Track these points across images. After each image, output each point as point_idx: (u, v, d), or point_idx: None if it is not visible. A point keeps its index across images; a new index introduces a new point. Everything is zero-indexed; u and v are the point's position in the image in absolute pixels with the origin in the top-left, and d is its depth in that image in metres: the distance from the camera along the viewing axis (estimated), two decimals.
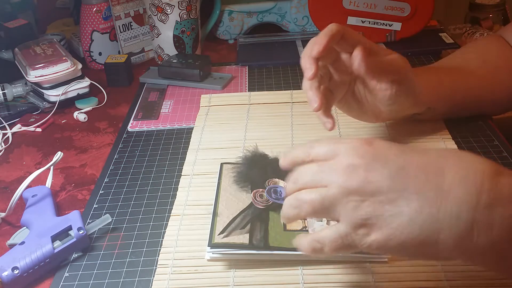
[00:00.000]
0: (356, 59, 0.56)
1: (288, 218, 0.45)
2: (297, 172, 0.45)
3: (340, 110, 0.69)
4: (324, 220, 0.56)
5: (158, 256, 0.56)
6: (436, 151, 0.44)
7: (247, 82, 0.96)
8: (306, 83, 0.59)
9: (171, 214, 0.62)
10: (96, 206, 0.65)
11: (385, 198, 0.39)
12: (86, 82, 0.93)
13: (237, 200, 0.60)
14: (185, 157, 0.73)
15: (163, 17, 1.00)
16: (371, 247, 0.41)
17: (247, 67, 1.02)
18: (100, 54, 1.08)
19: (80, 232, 0.57)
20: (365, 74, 0.59)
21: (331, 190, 0.41)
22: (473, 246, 0.39)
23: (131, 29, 1.08)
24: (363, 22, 1.04)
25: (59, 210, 0.66)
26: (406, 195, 0.39)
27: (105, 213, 0.62)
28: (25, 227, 0.61)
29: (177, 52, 1.04)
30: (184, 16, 1.01)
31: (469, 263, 0.45)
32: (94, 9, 1.04)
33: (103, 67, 1.01)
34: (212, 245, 0.54)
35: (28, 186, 0.65)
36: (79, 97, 0.93)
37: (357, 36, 0.58)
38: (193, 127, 0.81)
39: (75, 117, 0.89)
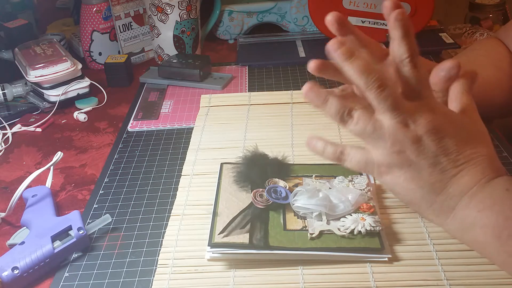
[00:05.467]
0: (450, 72, 0.51)
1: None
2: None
3: None
4: (324, 220, 0.56)
5: (158, 256, 0.56)
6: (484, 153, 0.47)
7: (247, 82, 0.96)
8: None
9: (171, 214, 0.62)
10: (96, 206, 0.65)
11: (424, 163, 0.46)
12: (86, 82, 0.93)
13: (237, 200, 0.60)
14: (185, 157, 0.73)
15: (163, 17, 1.00)
16: (381, 181, 0.49)
17: (247, 67, 1.02)
18: (100, 54, 1.08)
19: (80, 232, 0.57)
20: (441, 87, 0.53)
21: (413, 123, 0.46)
22: (446, 225, 0.48)
23: (131, 29, 1.08)
24: (363, 22, 1.04)
25: (59, 210, 0.66)
26: (426, 174, 0.46)
27: (105, 213, 0.62)
28: (25, 227, 0.61)
29: (177, 52, 1.04)
30: (184, 16, 1.01)
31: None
32: (94, 9, 1.04)
33: (103, 67, 1.01)
34: (212, 244, 0.54)
35: (28, 186, 0.65)
36: (79, 97, 0.93)
37: None
38: (193, 127, 0.81)
39: (75, 117, 0.89)
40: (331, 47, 0.45)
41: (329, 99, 0.46)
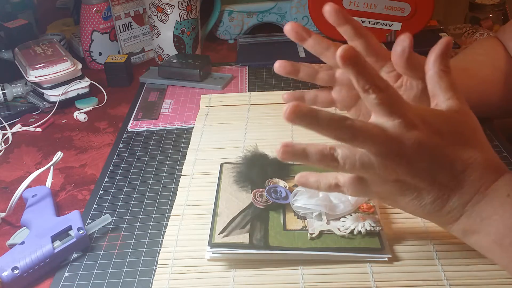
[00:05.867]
0: (403, 44, 0.49)
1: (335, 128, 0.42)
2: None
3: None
4: (324, 220, 0.56)
5: (158, 256, 0.56)
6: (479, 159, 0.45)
7: (247, 82, 0.96)
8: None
9: (171, 214, 0.62)
10: (96, 206, 0.65)
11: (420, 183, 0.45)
12: (86, 82, 0.93)
13: (237, 200, 0.60)
14: (185, 157, 0.73)
15: (163, 17, 1.00)
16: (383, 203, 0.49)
17: (247, 67, 1.02)
18: (100, 54, 1.08)
19: (80, 232, 0.57)
20: (403, 64, 0.50)
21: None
22: (451, 232, 0.48)
23: (131, 29, 1.08)
24: (363, 22, 1.04)
25: (59, 210, 0.66)
26: (426, 193, 0.45)
27: (105, 213, 0.62)
28: (25, 227, 0.61)
29: (177, 52, 1.04)
30: (184, 16, 1.01)
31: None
32: (94, 9, 1.04)
33: (103, 67, 1.01)
34: (212, 244, 0.54)
35: (28, 186, 0.65)
36: (79, 97, 0.93)
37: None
38: (193, 127, 0.81)
39: (75, 117, 0.89)
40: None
41: (308, 153, 0.43)
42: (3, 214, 0.64)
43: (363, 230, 0.54)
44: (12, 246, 0.58)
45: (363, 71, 0.41)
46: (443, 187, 0.45)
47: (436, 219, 0.47)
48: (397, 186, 0.45)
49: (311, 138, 0.74)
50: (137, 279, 0.54)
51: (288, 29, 0.50)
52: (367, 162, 0.43)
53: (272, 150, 0.67)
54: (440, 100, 0.47)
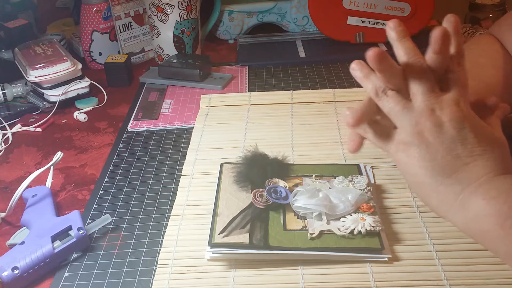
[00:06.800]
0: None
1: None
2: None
3: None
4: (324, 220, 0.56)
5: (158, 256, 0.56)
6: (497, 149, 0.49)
7: (247, 82, 0.96)
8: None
9: (171, 214, 0.62)
10: (96, 206, 0.65)
11: (441, 147, 0.47)
12: (86, 82, 0.93)
13: (237, 200, 0.60)
14: (185, 157, 0.73)
15: (163, 17, 1.00)
16: (395, 158, 0.51)
17: (247, 67, 1.02)
18: (100, 54, 1.08)
19: (80, 232, 0.57)
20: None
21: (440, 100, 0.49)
22: (450, 215, 0.48)
23: (131, 29, 1.08)
24: (363, 22, 1.04)
25: (59, 210, 0.66)
26: (440, 156, 0.47)
27: (105, 213, 0.62)
28: (25, 227, 0.61)
29: (177, 52, 1.04)
30: (184, 16, 1.01)
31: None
32: (94, 9, 1.04)
33: (103, 67, 1.01)
34: (212, 244, 0.54)
35: (28, 186, 0.65)
36: (79, 97, 0.93)
37: None
38: (193, 127, 0.81)
39: (75, 117, 0.89)
40: (392, 24, 0.50)
41: (370, 76, 0.50)
42: (3, 214, 0.64)
43: (363, 230, 0.54)
44: (12, 246, 0.58)
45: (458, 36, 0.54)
46: (458, 158, 0.47)
47: (438, 189, 0.48)
48: (418, 139, 0.48)
49: (310, 138, 0.74)
50: (137, 279, 0.54)
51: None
52: (408, 107, 0.49)
53: (272, 150, 0.67)
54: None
